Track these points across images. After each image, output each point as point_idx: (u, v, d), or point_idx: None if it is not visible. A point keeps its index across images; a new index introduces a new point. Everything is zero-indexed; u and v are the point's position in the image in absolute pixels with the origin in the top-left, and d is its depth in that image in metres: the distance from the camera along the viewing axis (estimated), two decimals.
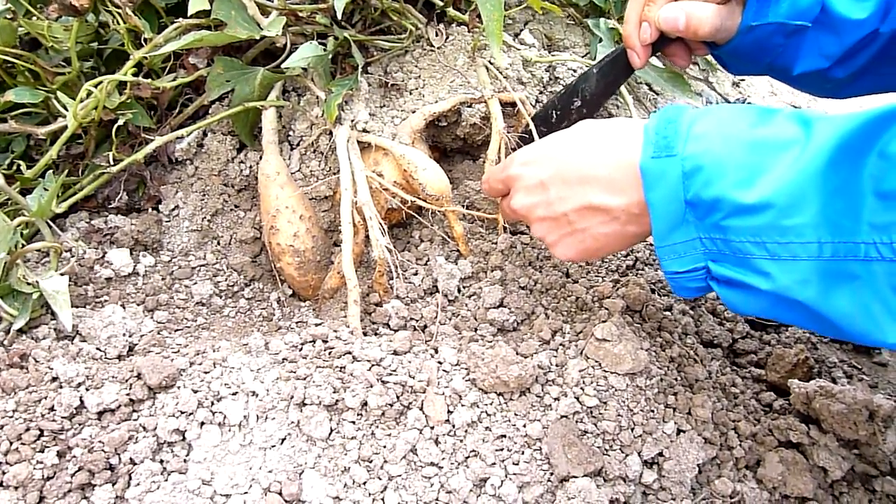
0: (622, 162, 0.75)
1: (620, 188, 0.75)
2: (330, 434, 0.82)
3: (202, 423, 0.82)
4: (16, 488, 0.75)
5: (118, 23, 1.03)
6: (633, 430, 0.87)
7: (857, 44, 0.88)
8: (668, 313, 1.07)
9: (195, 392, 0.84)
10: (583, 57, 1.51)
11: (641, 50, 0.96)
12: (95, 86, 1.02)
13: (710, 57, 1.05)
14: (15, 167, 1.10)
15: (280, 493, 0.77)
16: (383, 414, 0.83)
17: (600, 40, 1.52)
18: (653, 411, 0.89)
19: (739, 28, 0.91)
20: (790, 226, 0.62)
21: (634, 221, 0.77)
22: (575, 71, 1.43)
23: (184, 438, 0.81)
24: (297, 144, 1.18)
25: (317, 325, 1.04)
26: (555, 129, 1.02)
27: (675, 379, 0.95)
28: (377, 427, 0.83)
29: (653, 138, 0.71)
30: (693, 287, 0.73)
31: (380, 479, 0.79)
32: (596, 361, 0.89)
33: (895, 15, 0.85)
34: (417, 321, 1.04)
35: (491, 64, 1.21)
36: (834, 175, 0.59)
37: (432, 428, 0.83)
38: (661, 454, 0.87)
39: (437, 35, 1.23)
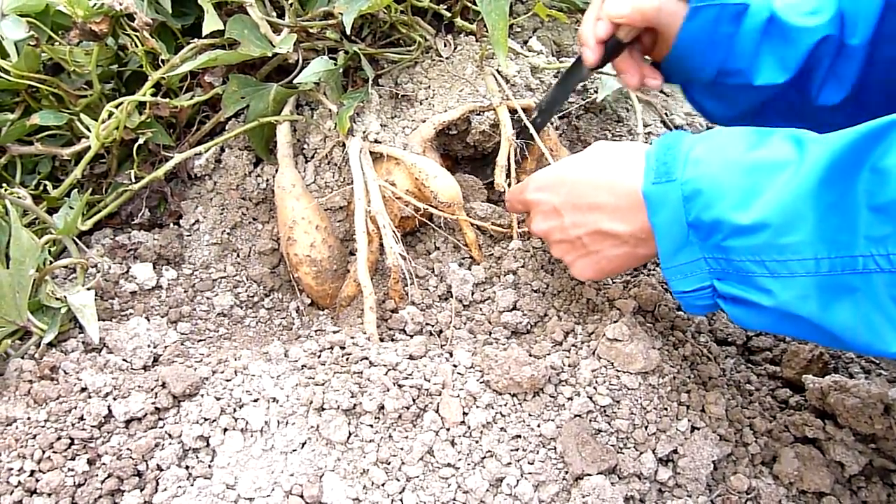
0: (626, 189, 0.78)
1: (626, 215, 0.79)
2: (348, 437, 0.84)
3: (225, 430, 0.84)
4: (49, 495, 0.78)
5: (136, 45, 1.06)
6: (646, 428, 0.87)
7: (814, 53, 0.86)
8: (680, 312, 1.08)
9: (218, 399, 0.87)
10: None
11: (595, 46, 0.95)
12: (116, 107, 1.06)
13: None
14: (42, 187, 1.14)
15: (301, 496, 0.79)
16: (400, 417, 0.85)
17: None
18: (666, 409, 0.89)
19: (686, 16, 0.89)
20: (786, 244, 0.63)
21: (643, 245, 0.80)
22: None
23: (208, 444, 0.84)
24: (312, 157, 1.20)
25: (334, 332, 1.06)
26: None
27: (689, 377, 0.96)
28: (394, 430, 0.85)
29: (653, 164, 0.73)
30: (701, 305, 0.75)
31: (398, 480, 0.81)
32: (608, 361, 0.90)
33: (860, 27, 0.83)
34: (432, 326, 1.06)
35: (499, 72, 1.22)
36: (827, 193, 0.61)
37: (448, 429, 0.84)
38: (675, 451, 0.88)
39: (445, 45, 1.25)
